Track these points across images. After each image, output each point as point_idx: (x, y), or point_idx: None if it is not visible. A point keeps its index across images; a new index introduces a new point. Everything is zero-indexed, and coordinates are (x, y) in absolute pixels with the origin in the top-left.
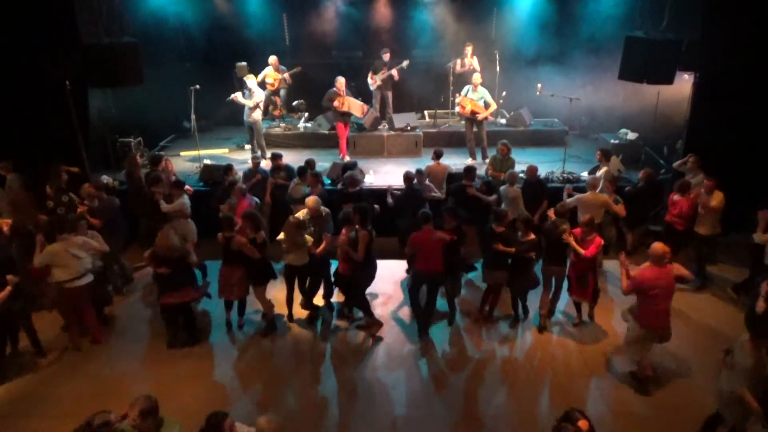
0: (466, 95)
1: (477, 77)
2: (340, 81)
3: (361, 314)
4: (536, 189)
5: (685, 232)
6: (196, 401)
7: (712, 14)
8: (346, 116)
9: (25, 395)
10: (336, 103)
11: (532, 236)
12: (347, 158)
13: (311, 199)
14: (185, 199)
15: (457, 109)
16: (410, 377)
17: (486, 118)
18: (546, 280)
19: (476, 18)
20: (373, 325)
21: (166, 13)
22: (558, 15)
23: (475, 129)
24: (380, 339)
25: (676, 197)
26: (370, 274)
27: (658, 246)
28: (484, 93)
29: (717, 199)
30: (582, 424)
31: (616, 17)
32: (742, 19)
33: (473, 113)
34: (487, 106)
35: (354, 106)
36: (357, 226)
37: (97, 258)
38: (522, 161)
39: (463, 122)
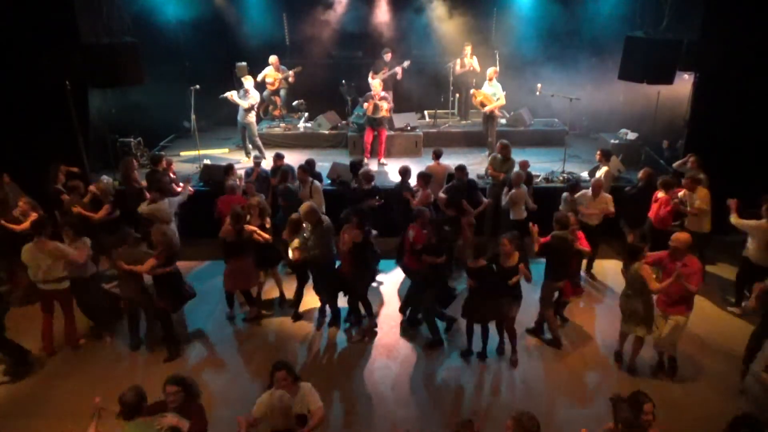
0: (480, 88)
1: (491, 71)
2: (375, 86)
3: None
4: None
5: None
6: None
7: (712, 14)
8: (374, 121)
9: (25, 395)
10: (366, 105)
11: (516, 258)
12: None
13: (304, 206)
14: (165, 204)
15: (473, 99)
16: (410, 377)
17: (493, 111)
18: (550, 297)
19: (476, 18)
20: (370, 328)
21: (166, 13)
22: (558, 15)
23: (487, 123)
24: (381, 339)
25: (659, 194)
26: (371, 275)
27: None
28: (497, 87)
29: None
30: (648, 407)
31: (616, 17)
32: (742, 19)
33: (482, 104)
34: (497, 99)
35: (378, 109)
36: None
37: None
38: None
39: (464, 122)
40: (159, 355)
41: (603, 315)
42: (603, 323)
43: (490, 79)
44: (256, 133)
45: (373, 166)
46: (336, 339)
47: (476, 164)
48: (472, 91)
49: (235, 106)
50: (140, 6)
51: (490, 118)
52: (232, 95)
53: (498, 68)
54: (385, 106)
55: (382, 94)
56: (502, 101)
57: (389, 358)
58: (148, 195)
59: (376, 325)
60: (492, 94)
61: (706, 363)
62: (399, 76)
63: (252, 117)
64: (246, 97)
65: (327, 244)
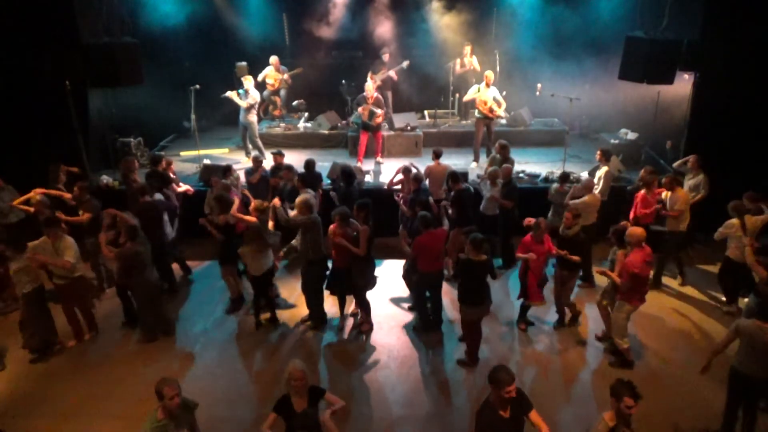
0: (479, 91)
1: (491, 74)
2: (368, 87)
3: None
4: (511, 189)
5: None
6: (198, 400)
7: (712, 14)
8: (370, 126)
9: (25, 395)
10: (360, 110)
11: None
12: (361, 165)
13: (300, 198)
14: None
15: (479, 105)
16: (410, 377)
17: (498, 116)
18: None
19: (476, 18)
20: (366, 325)
21: (165, 13)
22: (558, 15)
23: (484, 129)
24: (381, 339)
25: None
26: (371, 272)
27: (637, 229)
28: (495, 91)
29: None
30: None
31: (617, 17)
32: (742, 19)
33: (491, 109)
34: (498, 104)
35: (372, 116)
36: (358, 222)
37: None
38: (522, 161)
39: (464, 122)
40: (159, 355)
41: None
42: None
43: (488, 85)
44: (256, 133)
45: (369, 165)
46: (335, 339)
47: (476, 165)
48: (472, 96)
49: (236, 106)
50: (140, 6)
51: (491, 122)
52: (232, 95)
53: (498, 68)
54: (379, 111)
55: (375, 95)
56: (504, 104)
57: (389, 358)
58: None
59: (371, 324)
60: (493, 97)
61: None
62: (395, 78)
63: (253, 117)
64: (246, 96)
65: (317, 240)
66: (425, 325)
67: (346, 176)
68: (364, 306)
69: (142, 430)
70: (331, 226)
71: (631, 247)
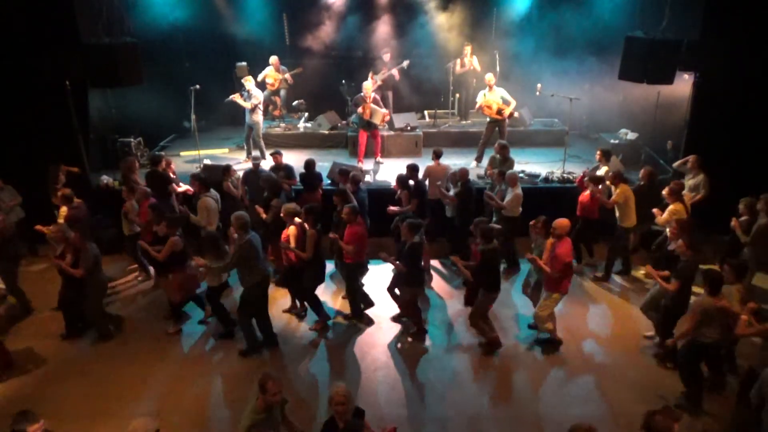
0: (485, 96)
1: (491, 77)
2: (366, 87)
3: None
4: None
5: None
6: (196, 402)
7: (712, 14)
8: (370, 124)
9: (25, 395)
10: (360, 110)
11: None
12: (362, 165)
13: (235, 214)
14: None
15: (485, 110)
16: (410, 377)
17: (511, 115)
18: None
19: (476, 18)
20: (321, 327)
21: (166, 13)
22: (558, 15)
23: (495, 130)
24: (380, 339)
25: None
26: (318, 274)
27: (564, 221)
28: (502, 92)
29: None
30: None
31: (617, 17)
32: (742, 19)
33: (500, 111)
34: (507, 104)
35: (376, 115)
36: (307, 226)
37: None
38: (522, 161)
39: (464, 122)
40: (159, 355)
41: (594, 315)
42: (594, 324)
43: (491, 88)
44: (260, 134)
45: (369, 165)
46: (334, 339)
47: (475, 164)
48: (480, 103)
49: (241, 108)
50: (140, 6)
51: (503, 123)
52: (236, 98)
53: (498, 68)
54: (384, 111)
55: (373, 95)
56: (514, 102)
57: (388, 358)
58: None
59: (328, 326)
60: (501, 98)
61: None
62: (397, 77)
63: (258, 116)
64: (249, 97)
65: (254, 264)
66: (359, 313)
67: (271, 187)
68: (312, 305)
69: (242, 420)
70: (284, 233)
71: (559, 238)
